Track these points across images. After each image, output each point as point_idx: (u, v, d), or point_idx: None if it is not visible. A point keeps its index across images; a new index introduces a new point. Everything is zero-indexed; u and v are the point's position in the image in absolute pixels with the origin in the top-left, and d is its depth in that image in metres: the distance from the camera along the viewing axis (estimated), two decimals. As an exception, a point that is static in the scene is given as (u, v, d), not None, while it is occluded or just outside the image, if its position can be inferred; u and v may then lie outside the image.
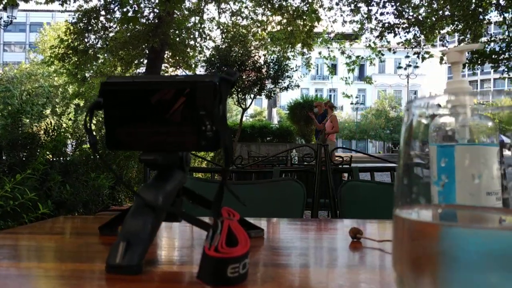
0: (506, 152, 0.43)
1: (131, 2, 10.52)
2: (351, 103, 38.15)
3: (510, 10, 12.73)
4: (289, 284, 0.60)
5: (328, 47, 15.02)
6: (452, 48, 0.59)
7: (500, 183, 0.44)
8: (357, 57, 13.76)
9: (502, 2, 12.37)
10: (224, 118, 0.65)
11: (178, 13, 13.79)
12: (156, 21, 11.95)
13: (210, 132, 0.65)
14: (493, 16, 14.64)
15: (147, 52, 13.25)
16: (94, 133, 0.71)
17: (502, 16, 12.45)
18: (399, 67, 19.54)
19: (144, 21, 12.01)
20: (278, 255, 0.81)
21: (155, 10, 11.62)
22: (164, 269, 0.69)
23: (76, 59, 13.72)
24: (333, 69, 15.88)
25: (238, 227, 0.62)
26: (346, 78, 13.97)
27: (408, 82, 35.07)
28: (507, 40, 12.58)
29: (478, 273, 0.34)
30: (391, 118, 47.40)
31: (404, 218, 0.41)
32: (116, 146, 0.70)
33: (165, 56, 14.54)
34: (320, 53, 15.68)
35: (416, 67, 13.65)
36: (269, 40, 16.45)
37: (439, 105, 0.44)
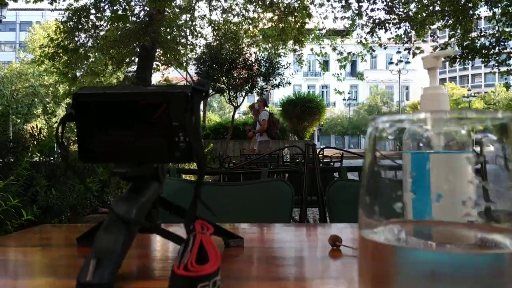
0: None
1: (121, 0, 10.47)
2: (344, 99, 38.22)
3: (500, 4, 12.79)
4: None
5: (320, 44, 15.02)
6: (428, 54, 0.59)
7: (475, 192, 0.43)
8: (349, 53, 13.78)
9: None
10: (197, 129, 0.64)
11: (169, 11, 13.72)
12: (147, 19, 11.88)
13: (183, 143, 0.64)
14: (483, 11, 14.71)
15: (138, 50, 13.18)
16: (66, 144, 0.70)
17: (491, 11, 12.51)
18: (391, 63, 19.61)
19: (134, 19, 11.94)
20: (254, 267, 0.80)
21: (146, 8, 11.55)
22: (137, 286, 0.68)
23: (66, 58, 13.61)
24: (325, 65, 15.87)
25: (210, 242, 0.61)
26: (338, 74, 13.99)
27: (399, 77, 35.21)
28: (497, 35, 12.65)
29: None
30: (383, 113, 47.40)
31: (362, 236, 0.40)
32: (89, 159, 0.69)
33: (156, 54, 14.48)
34: (312, 49, 15.68)
35: (408, 62, 13.70)
36: (260, 37, 16.44)
37: (408, 116, 0.44)
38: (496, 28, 12.81)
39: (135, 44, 12.87)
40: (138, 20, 12.04)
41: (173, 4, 14.13)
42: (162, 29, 12.99)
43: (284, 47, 15.69)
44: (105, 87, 0.68)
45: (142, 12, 11.97)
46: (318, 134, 51.45)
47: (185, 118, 0.62)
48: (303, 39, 14.77)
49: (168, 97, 0.64)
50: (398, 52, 13.31)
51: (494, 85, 54.43)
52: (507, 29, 12.93)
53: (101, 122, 0.67)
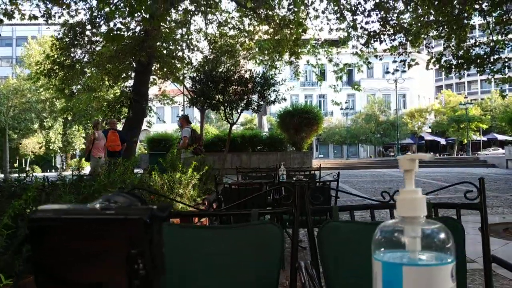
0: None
1: (116, 16, 10.49)
2: (341, 109, 38.34)
3: (493, 14, 12.88)
4: None
5: (316, 55, 15.10)
6: (404, 156, 0.58)
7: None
8: (345, 64, 13.83)
9: (485, 7, 12.51)
10: (156, 256, 0.62)
11: (165, 26, 13.77)
12: (143, 34, 11.91)
13: (143, 271, 0.62)
14: (477, 20, 14.81)
15: (135, 65, 13.21)
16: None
17: (485, 21, 12.58)
18: (387, 72, 19.70)
19: (130, 34, 11.98)
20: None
21: (141, 24, 11.60)
22: None
23: (62, 74, 13.62)
24: (322, 76, 15.95)
25: None
26: (334, 86, 14.03)
27: (396, 86, 35.35)
28: (491, 44, 12.71)
29: None
30: (381, 122, 47.68)
31: None
32: (45, 285, 0.67)
33: (153, 68, 14.52)
34: (308, 61, 15.75)
35: (404, 71, 13.73)
36: (256, 49, 16.52)
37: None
38: (491, 37, 12.87)
39: (131, 59, 12.90)
40: (133, 36, 12.06)
41: (168, 18, 14.23)
42: (158, 44, 13.03)
43: (280, 59, 15.77)
44: (63, 210, 0.66)
45: (138, 28, 12.01)
46: (317, 143, 51.50)
47: (143, 245, 0.60)
48: (299, 51, 14.85)
49: (126, 224, 0.62)
50: (394, 61, 13.37)
51: (490, 91, 54.65)
52: (501, 38, 13.00)
53: (57, 247, 0.65)
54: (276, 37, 14.44)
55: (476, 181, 1.80)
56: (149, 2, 6.27)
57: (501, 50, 13.07)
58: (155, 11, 10.14)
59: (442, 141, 52.92)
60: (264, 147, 20.00)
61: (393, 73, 17.80)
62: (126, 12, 6.53)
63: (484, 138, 52.83)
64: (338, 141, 49.38)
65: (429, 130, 52.80)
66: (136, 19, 9.15)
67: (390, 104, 48.13)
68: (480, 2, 12.46)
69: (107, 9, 9.15)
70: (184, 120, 9.11)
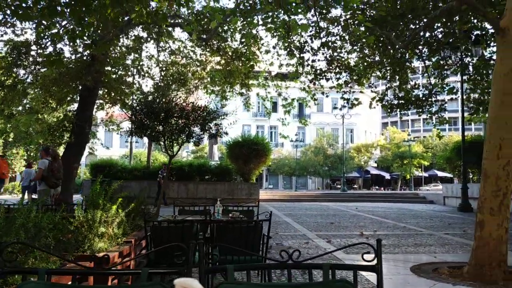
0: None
1: (64, 39, 10.20)
2: (291, 141, 38.97)
3: (432, 59, 13.70)
4: None
5: (265, 89, 15.38)
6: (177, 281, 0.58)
7: None
8: (293, 99, 14.17)
9: (424, 52, 13.28)
10: None
11: (117, 51, 13.58)
12: (89, 58, 11.66)
13: None
14: (418, 64, 15.69)
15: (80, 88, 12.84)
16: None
17: (424, 65, 13.36)
18: (335, 108, 20.37)
19: (76, 58, 11.70)
20: None
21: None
22: None
23: (3, 94, 13.00)
24: (271, 110, 16.31)
25: None
26: (282, 119, 14.29)
27: (343, 121, 36.46)
28: (429, 87, 13.48)
29: None
30: (329, 155, 48.86)
31: None
32: None
33: (101, 92, 14.17)
34: (258, 94, 16.01)
35: (351, 108, 14.23)
36: (208, 79, 16.60)
37: None
38: (429, 81, 13.65)
39: (77, 83, 12.54)
40: (80, 59, 11.79)
41: (120, 44, 14.06)
42: (107, 68, 12.77)
43: (231, 90, 15.92)
44: None
45: (86, 52, 11.74)
46: (267, 174, 51.79)
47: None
48: (249, 83, 15.07)
49: None
50: (342, 98, 13.84)
51: (432, 130, 57.62)
52: (439, 82, 13.82)
53: None
54: (228, 68, 14.59)
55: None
56: (92, 29, 6.17)
57: (438, 93, 13.89)
58: (103, 37, 10.00)
59: (387, 176, 54.82)
60: (212, 177, 19.85)
61: (340, 109, 18.44)
62: (66, 37, 6.37)
63: (426, 174, 55.29)
64: (287, 172, 49.93)
65: (375, 165, 54.64)
66: (86, 41, 8.96)
67: (338, 138, 49.53)
68: (420, 47, 13.23)
69: (54, 31, 8.92)
70: (44, 152, 9.33)
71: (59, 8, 5.38)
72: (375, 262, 1.69)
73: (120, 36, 12.66)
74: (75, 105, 14.19)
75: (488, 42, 12.64)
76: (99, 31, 9.69)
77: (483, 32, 12.69)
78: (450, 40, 12.88)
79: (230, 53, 14.15)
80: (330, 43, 11.65)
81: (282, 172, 50.54)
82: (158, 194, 17.02)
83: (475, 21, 12.04)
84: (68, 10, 5.42)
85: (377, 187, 51.69)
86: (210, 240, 4.01)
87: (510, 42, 5.32)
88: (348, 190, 38.13)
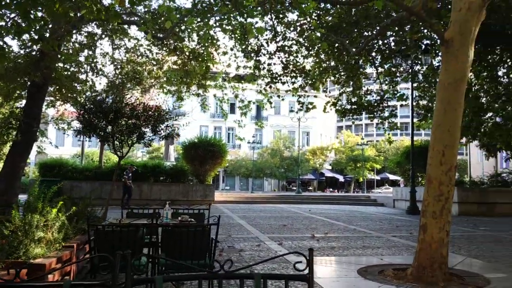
0: None
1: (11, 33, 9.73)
2: (248, 142, 39.05)
3: (385, 66, 14.16)
4: None
5: (222, 90, 15.35)
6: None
7: None
8: (249, 101, 14.24)
9: (376, 59, 13.70)
10: None
11: (69, 47, 13.10)
12: (39, 54, 11.19)
13: None
14: (371, 70, 16.17)
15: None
16: None
17: (377, 71, 13.78)
18: (291, 111, 20.62)
19: (24, 53, 11.19)
20: None
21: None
22: None
23: None
24: (228, 112, 16.31)
25: None
26: (239, 121, 14.30)
27: (299, 124, 36.97)
28: (381, 94, 13.91)
29: None
30: (285, 157, 49.40)
31: None
32: None
33: (51, 89, 13.63)
34: (215, 95, 15.95)
35: (306, 111, 14.47)
36: (165, 79, 16.35)
37: None
38: (381, 87, 14.10)
39: (26, 79, 12.00)
40: (28, 55, 11.29)
41: (73, 40, 13.58)
42: (58, 65, 12.29)
43: (187, 90, 15.76)
44: None
45: (35, 47, 11.27)
46: (224, 175, 51.66)
47: None
48: (206, 84, 14.99)
49: None
50: (298, 101, 14.03)
51: (384, 134, 59.43)
52: (390, 88, 14.30)
53: None
54: (185, 68, 14.45)
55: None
56: (41, 23, 5.92)
57: (389, 99, 14.37)
58: (54, 33, 9.63)
59: (341, 178, 56.06)
60: (167, 178, 19.57)
61: (297, 112, 18.70)
62: (12, 32, 6.08)
63: (378, 177, 57.01)
64: (244, 174, 50.03)
65: (330, 167, 55.75)
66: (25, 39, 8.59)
67: (294, 141, 50.12)
68: (373, 54, 13.64)
69: (1, 23, 8.50)
70: None
71: (6, 0, 5.15)
72: (306, 271, 1.71)
73: (73, 32, 12.25)
74: (23, 102, 13.58)
75: (437, 51, 13.21)
76: (49, 26, 9.33)
77: (433, 42, 13.27)
78: (402, 48, 13.38)
79: (187, 53, 14.01)
80: (286, 47, 11.79)
81: (239, 174, 50.60)
82: (124, 196, 16.62)
83: (425, 31, 12.56)
84: (14, 2, 5.19)
85: (331, 189, 52.78)
86: (157, 245, 3.95)
87: (454, 53, 5.58)
88: (303, 192, 38.66)
